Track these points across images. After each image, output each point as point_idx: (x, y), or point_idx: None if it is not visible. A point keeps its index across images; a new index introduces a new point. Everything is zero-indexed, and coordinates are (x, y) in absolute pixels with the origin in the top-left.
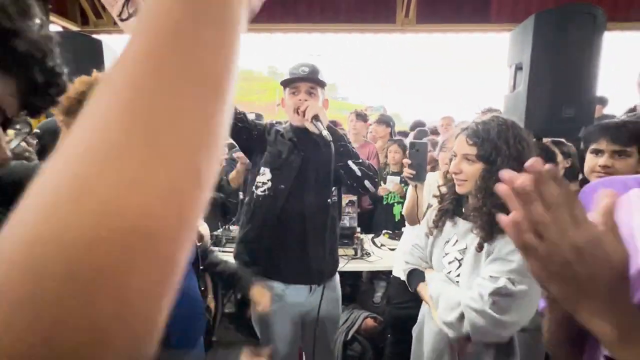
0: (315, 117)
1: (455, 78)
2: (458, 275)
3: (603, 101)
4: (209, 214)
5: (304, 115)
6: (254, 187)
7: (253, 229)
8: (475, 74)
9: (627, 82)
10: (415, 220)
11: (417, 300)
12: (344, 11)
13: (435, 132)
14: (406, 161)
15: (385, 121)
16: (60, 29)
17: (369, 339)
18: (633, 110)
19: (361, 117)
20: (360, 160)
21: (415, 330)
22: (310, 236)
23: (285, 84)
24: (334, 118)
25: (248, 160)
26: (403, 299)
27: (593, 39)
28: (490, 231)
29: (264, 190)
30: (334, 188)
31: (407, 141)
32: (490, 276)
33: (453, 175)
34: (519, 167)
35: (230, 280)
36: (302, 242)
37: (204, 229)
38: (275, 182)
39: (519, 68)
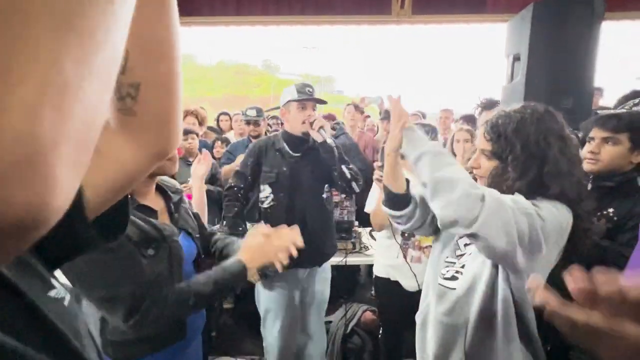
0: (322, 127)
1: (453, 69)
2: (463, 267)
3: (599, 91)
4: (208, 210)
5: (310, 126)
6: (259, 203)
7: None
8: (473, 65)
9: (622, 72)
10: (383, 226)
11: (407, 299)
12: (339, 3)
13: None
14: (377, 164)
15: (390, 117)
16: None
17: (368, 332)
18: (631, 96)
19: (358, 109)
20: (351, 166)
21: (419, 317)
22: (312, 228)
23: (297, 101)
24: (330, 111)
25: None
26: (394, 305)
27: (592, 29)
28: None
29: (269, 203)
30: (326, 185)
31: None
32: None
33: (473, 170)
34: (539, 165)
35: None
36: (306, 234)
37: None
38: (275, 193)
39: (516, 59)
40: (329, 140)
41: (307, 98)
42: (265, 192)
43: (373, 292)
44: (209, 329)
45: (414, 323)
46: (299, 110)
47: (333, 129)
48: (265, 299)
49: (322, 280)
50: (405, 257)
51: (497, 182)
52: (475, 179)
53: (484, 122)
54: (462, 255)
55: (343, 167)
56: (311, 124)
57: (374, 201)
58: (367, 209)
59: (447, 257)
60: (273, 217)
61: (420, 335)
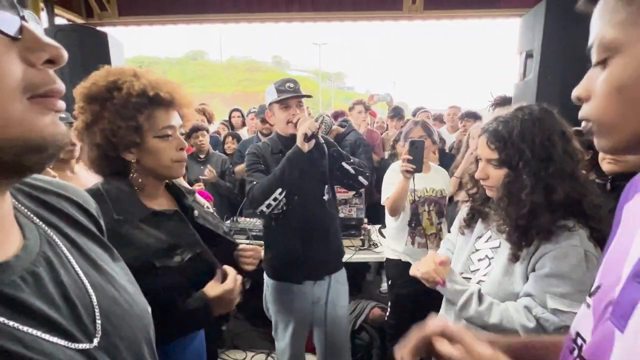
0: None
1: (464, 66)
2: (485, 275)
3: None
4: (218, 206)
5: (295, 126)
6: (264, 207)
7: (278, 241)
8: (485, 61)
9: None
10: (399, 211)
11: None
12: None
13: (440, 119)
14: (407, 157)
15: (399, 115)
16: (66, 22)
17: (377, 328)
18: None
19: (366, 107)
20: (352, 160)
21: None
22: (317, 237)
23: (278, 101)
24: (341, 108)
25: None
26: (403, 279)
27: None
28: (519, 242)
29: (281, 207)
30: (326, 186)
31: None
32: (555, 309)
33: (481, 181)
34: (546, 168)
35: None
36: (310, 245)
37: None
38: (287, 196)
39: (529, 55)
40: (321, 141)
41: (286, 97)
42: (275, 195)
43: (382, 288)
44: (219, 323)
45: (422, 300)
46: (282, 110)
47: (342, 126)
48: (274, 311)
49: (337, 290)
50: (412, 243)
51: (512, 191)
52: (484, 189)
53: (481, 131)
54: (476, 270)
55: (344, 164)
56: (295, 124)
57: (388, 190)
58: (383, 201)
59: (462, 273)
60: (282, 223)
61: None
